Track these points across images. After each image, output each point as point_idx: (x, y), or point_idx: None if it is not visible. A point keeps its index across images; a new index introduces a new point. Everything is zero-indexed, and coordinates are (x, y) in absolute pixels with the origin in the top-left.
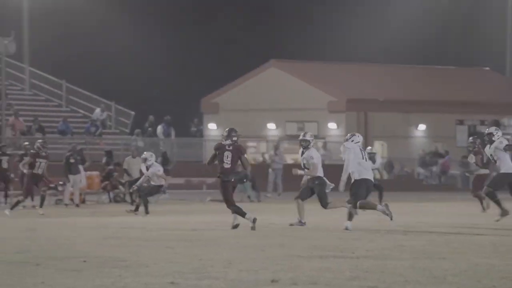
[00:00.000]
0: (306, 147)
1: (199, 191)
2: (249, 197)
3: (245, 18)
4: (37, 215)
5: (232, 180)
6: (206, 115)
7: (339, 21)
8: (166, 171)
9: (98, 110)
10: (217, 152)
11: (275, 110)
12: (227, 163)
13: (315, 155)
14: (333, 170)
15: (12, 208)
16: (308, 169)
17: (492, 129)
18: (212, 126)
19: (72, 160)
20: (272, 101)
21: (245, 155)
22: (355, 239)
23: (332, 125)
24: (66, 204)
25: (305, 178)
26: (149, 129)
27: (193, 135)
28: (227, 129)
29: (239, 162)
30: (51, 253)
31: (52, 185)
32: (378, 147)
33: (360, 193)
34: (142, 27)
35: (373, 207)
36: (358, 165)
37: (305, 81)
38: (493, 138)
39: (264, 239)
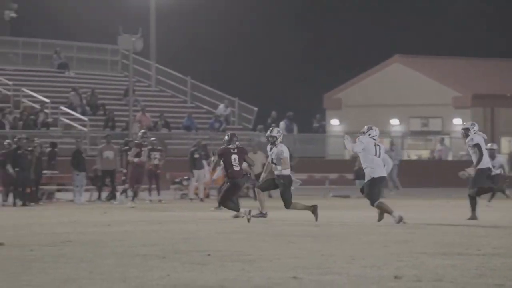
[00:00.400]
0: (273, 143)
1: (322, 186)
2: None
3: (368, 14)
4: (163, 209)
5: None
6: (329, 111)
7: (469, 15)
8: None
9: (222, 106)
10: (222, 158)
11: (399, 106)
12: (235, 165)
13: (285, 150)
14: (457, 165)
15: (132, 198)
16: (276, 164)
17: (468, 124)
18: (334, 122)
19: (196, 155)
20: (396, 96)
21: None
22: (480, 236)
23: (457, 121)
24: (191, 199)
25: (263, 175)
26: (272, 125)
27: (316, 131)
28: (228, 134)
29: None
30: (176, 246)
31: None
32: (505, 144)
33: (373, 192)
34: (266, 24)
35: (388, 211)
36: (371, 161)
37: (429, 77)
38: (468, 133)
39: (387, 235)
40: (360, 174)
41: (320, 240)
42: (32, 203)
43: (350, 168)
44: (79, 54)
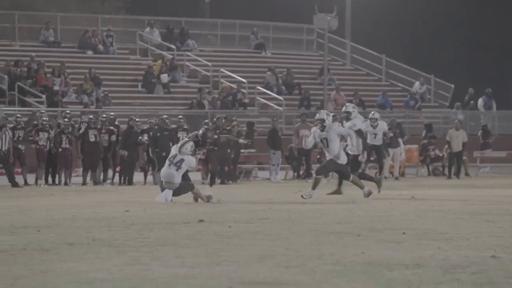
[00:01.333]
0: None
1: None
2: None
3: None
4: (355, 187)
5: None
6: None
7: None
8: (487, 144)
9: (417, 83)
10: None
11: None
12: None
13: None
14: None
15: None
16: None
17: (350, 107)
18: None
19: (391, 134)
20: None
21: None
22: None
23: None
24: (385, 177)
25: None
26: (471, 102)
27: None
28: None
29: None
30: (370, 224)
31: None
32: None
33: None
34: None
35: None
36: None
37: None
38: (350, 117)
39: None
40: None
41: None
42: (230, 181)
43: None
44: (275, 34)
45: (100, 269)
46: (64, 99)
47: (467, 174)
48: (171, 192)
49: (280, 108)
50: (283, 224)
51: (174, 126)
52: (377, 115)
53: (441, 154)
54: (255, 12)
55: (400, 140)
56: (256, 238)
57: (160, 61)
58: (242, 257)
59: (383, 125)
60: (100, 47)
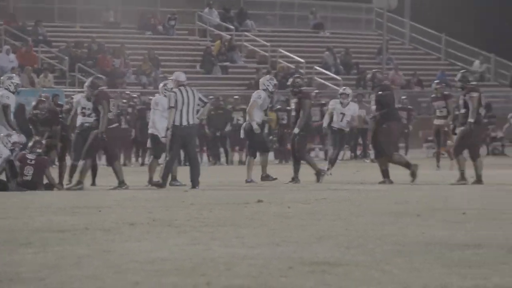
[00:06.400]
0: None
1: None
2: None
3: None
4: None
5: None
6: None
7: None
8: None
9: (477, 62)
10: None
11: None
12: None
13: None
14: None
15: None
16: None
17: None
18: None
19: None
20: None
21: None
22: None
23: None
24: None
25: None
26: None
27: None
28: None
29: None
30: (430, 204)
31: None
32: None
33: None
34: None
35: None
36: None
37: None
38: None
39: None
40: None
41: None
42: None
43: None
44: (334, 13)
45: (161, 248)
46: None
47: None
48: None
49: (338, 88)
50: (342, 204)
51: (230, 106)
52: (348, 91)
53: (501, 135)
54: None
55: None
56: (316, 218)
57: (218, 42)
58: (301, 237)
59: (354, 107)
60: (160, 28)
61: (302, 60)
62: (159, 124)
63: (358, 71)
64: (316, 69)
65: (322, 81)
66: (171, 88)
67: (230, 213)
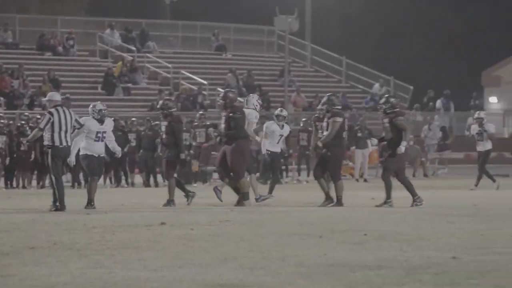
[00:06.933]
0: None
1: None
2: None
3: None
4: (314, 189)
5: None
6: (487, 88)
7: None
8: (445, 146)
9: (377, 85)
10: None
11: None
12: None
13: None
14: None
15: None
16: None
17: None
18: (493, 99)
19: (359, 134)
20: None
21: None
22: None
23: None
24: (356, 180)
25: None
26: (430, 103)
27: (473, 109)
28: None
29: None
30: (332, 226)
31: None
32: None
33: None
34: (422, 0)
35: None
36: None
37: None
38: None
39: None
40: None
41: (479, 220)
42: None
43: (509, 146)
44: (236, 35)
45: (62, 273)
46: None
47: (425, 175)
48: None
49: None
50: (245, 226)
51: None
52: (285, 113)
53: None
54: (216, 14)
55: (368, 141)
56: (219, 240)
57: (120, 63)
58: (205, 259)
59: (288, 129)
60: (60, 48)
61: (205, 82)
62: (86, 145)
63: (261, 93)
64: (219, 90)
65: None
66: (49, 110)
67: (132, 236)
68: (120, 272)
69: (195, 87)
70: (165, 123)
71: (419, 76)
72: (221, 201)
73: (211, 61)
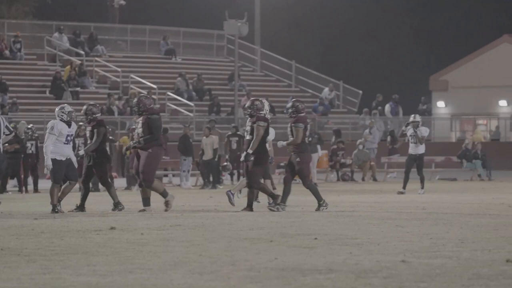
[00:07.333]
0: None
1: (428, 169)
2: (479, 175)
3: None
4: None
5: None
6: (435, 92)
7: None
8: (394, 150)
9: (326, 89)
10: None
11: (507, 87)
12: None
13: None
14: None
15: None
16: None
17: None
18: (440, 104)
19: (309, 139)
20: (504, 77)
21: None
22: None
23: None
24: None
25: None
26: (379, 108)
27: (421, 114)
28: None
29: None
30: (283, 230)
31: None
32: None
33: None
34: (371, 6)
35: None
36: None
37: None
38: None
39: (497, 218)
40: (466, 155)
41: (428, 224)
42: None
43: (457, 150)
44: (185, 39)
45: (10, 278)
46: None
47: (375, 179)
48: None
49: (191, 114)
50: (196, 230)
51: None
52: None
53: (349, 161)
54: (165, 18)
55: (318, 146)
56: (169, 245)
57: (68, 67)
58: (155, 264)
59: (272, 133)
60: (7, 52)
61: (154, 86)
62: (55, 148)
63: (211, 97)
64: (169, 95)
65: (175, 107)
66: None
67: (81, 241)
68: (69, 277)
69: (144, 91)
70: (89, 128)
71: (368, 80)
72: (233, 205)
73: (161, 65)
